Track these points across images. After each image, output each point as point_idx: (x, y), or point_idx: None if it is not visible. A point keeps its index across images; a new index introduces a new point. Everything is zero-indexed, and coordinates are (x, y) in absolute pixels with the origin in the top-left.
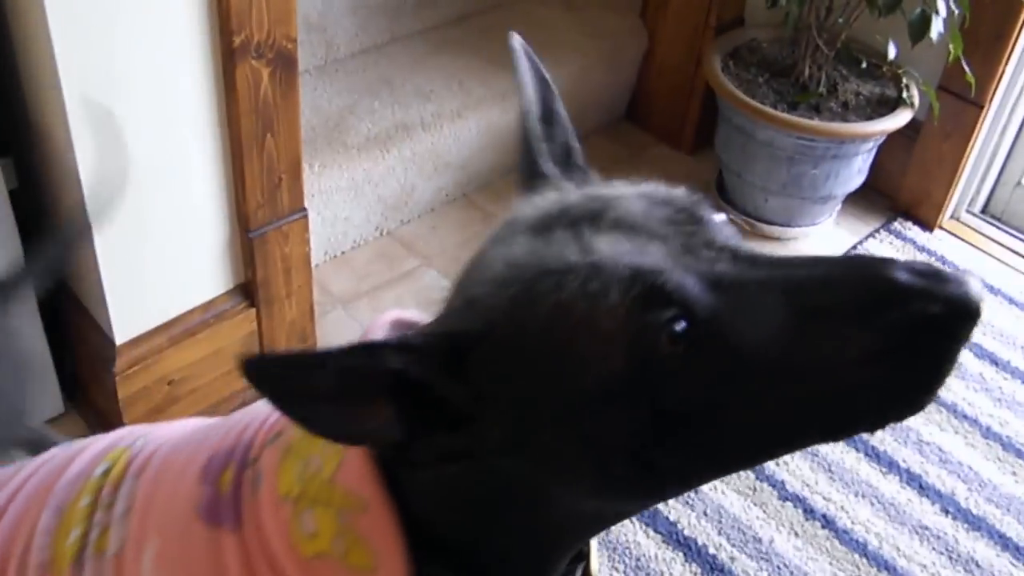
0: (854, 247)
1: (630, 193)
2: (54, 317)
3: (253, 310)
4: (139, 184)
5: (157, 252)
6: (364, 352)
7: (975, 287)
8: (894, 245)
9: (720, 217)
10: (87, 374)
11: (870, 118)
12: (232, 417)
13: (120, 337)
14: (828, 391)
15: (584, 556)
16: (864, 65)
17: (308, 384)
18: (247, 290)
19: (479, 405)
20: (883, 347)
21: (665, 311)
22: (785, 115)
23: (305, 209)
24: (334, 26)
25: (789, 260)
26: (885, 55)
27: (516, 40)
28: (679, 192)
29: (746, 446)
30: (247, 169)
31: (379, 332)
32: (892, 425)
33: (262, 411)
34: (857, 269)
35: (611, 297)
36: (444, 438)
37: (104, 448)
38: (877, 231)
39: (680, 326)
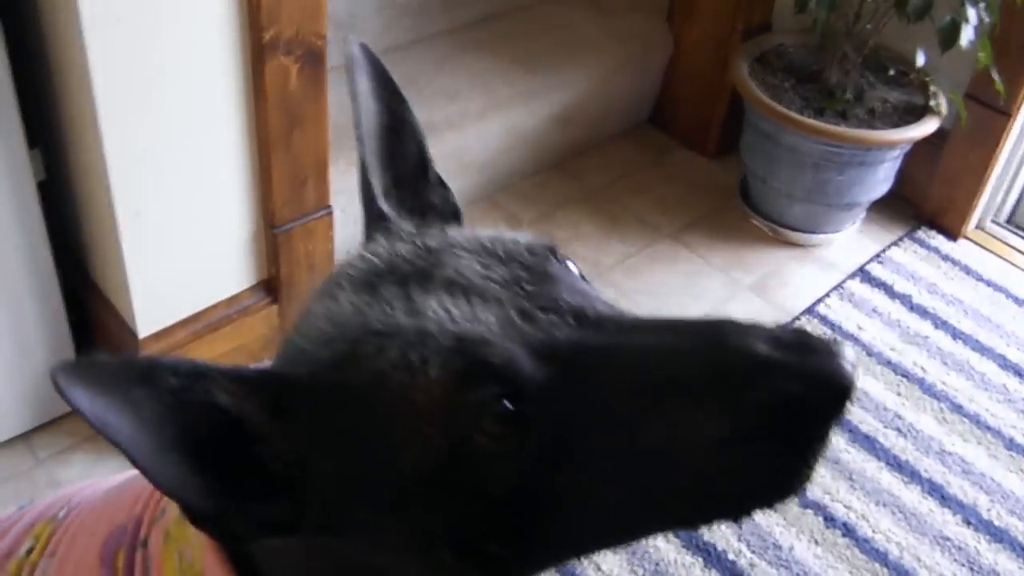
0: (878, 255)
1: (468, 246)
2: (78, 309)
3: (276, 306)
4: (165, 177)
5: (182, 246)
6: (193, 373)
7: (847, 360)
8: (918, 254)
9: (570, 269)
10: None
11: (897, 125)
12: (133, 481)
13: (143, 331)
14: (680, 478)
15: None
16: (891, 72)
17: (127, 400)
18: (271, 286)
19: (298, 471)
20: (742, 430)
21: (489, 388)
22: (811, 121)
23: (330, 206)
24: (360, 25)
25: (640, 323)
26: (912, 62)
27: (355, 47)
28: (523, 244)
29: (590, 536)
30: (274, 165)
31: None
32: (913, 438)
33: None
34: (714, 338)
35: (431, 370)
36: (260, 508)
37: (32, 520)
38: (901, 239)
39: (506, 405)
